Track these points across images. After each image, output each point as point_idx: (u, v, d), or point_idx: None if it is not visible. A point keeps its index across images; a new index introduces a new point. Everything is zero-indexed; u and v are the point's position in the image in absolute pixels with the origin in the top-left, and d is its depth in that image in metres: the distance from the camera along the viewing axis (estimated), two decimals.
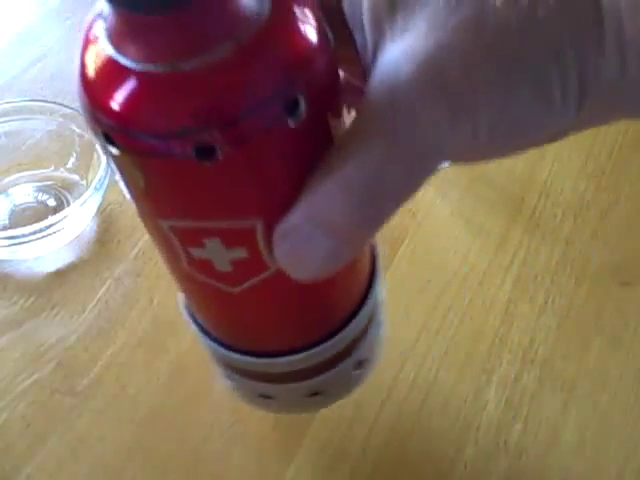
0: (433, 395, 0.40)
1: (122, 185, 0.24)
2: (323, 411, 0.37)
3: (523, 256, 0.46)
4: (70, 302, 0.43)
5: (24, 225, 0.42)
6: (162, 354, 0.41)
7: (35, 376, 0.40)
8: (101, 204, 0.46)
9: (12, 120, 0.49)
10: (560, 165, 0.52)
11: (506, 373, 0.41)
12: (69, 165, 0.49)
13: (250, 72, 0.19)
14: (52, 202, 0.48)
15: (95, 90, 0.20)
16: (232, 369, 0.33)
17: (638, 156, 0.53)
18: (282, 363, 0.31)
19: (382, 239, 0.47)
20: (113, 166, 0.23)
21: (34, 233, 0.42)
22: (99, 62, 0.20)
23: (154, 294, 0.43)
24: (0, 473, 0.36)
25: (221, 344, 0.31)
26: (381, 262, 0.32)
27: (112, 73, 0.20)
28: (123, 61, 0.19)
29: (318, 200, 0.20)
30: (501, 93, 0.19)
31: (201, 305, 0.31)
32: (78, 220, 0.44)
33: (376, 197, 0.20)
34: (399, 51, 0.19)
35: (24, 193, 0.48)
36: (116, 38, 0.20)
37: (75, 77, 0.21)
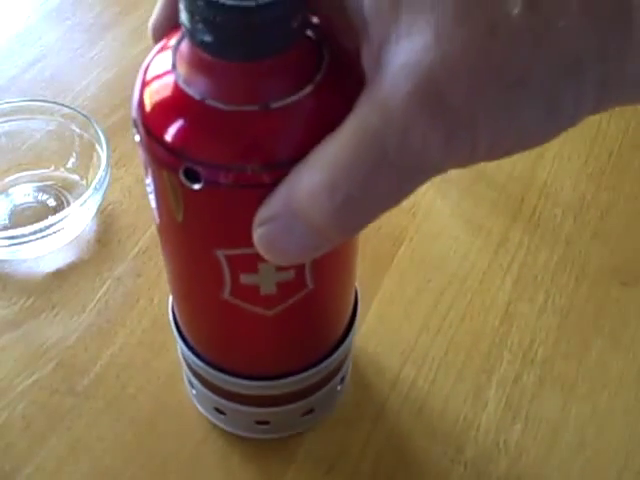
0: (433, 395, 0.40)
1: (167, 219, 0.25)
2: None
3: (523, 256, 0.46)
4: (70, 302, 0.43)
5: (24, 225, 0.42)
6: (162, 354, 0.41)
7: (35, 376, 0.40)
8: (101, 204, 0.46)
9: (12, 120, 0.49)
10: (560, 165, 0.52)
11: (506, 373, 0.41)
12: (69, 165, 0.49)
13: (329, 104, 0.21)
14: (52, 202, 0.48)
15: (179, 132, 0.21)
16: (230, 398, 0.34)
17: (638, 156, 0.53)
18: (292, 382, 0.32)
19: (382, 239, 0.47)
20: (177, 201, 0.23)
21: (34, 233, 0.42)
22: (182, 107, 0.21)
23: (154, 294, 0.43)
24: (0, 473, 0.36)
25: (227, 373, 0.32)
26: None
27: (203, 116, 0.21)
28: (213, 103, 0.20)
29: (302, 194, 0.20)
30: (506, 114, 0.18)
31: (222, 333, 0.31)
32: (78, 220, 0.44)
33: (359, 204, 0.19)
34: (399, 64, 0.18)
35: (24, 193, 0.48)
36: (201, 83, 0.21)
37: (144, 122, 0.22)
